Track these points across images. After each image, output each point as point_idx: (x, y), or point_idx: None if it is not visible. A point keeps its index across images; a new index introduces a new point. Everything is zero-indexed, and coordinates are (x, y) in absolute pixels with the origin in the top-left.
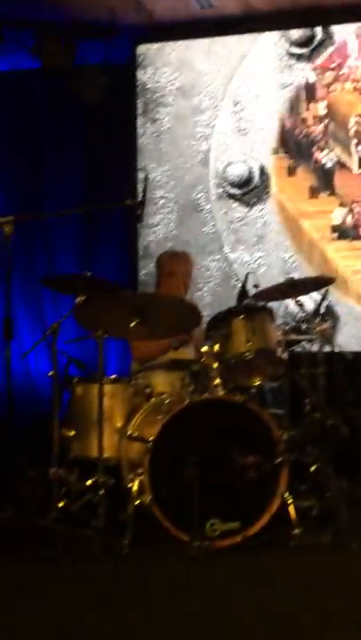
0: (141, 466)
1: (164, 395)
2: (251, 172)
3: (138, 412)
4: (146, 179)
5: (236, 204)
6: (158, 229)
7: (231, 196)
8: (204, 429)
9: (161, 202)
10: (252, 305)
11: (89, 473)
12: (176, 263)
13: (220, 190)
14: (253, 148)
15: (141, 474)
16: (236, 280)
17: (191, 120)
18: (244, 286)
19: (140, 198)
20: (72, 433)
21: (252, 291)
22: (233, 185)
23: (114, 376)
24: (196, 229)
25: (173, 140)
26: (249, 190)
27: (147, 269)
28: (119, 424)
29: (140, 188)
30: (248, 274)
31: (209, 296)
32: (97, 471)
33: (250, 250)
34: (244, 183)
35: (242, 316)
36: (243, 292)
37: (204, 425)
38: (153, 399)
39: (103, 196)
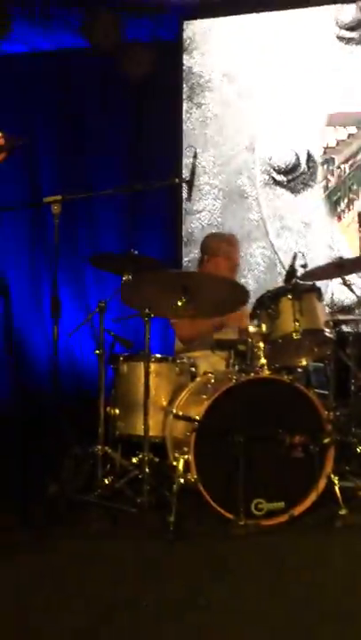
0: (187, 444)
1: (209, 374)
2: (297, 159)
3: (183, 391)
4: (195, 156)
5: (282, 191)
6: (203, 216)
7: (277, 183)
8: (251, 409)
9: (206, 188)
10: (301, 284)
11: (134, 451)
12: (224, 245)
13: (266, 177)
14: (300, 134)
15: (186, 452)
16: (282, 268)
17: (237, 105)
18: (292, 266)
19: (188, 176)
20: (117, 411)
21: (300, 270)
22: (279, 171)
23: (159, 355)
24: (241, 216)
25: (219, 125)
26: (295, 177)
27: (190, 256)
28: (164, 403)
29: (189, 164)
30: (296, 253)
31: (253, 283)
32: (142, 449)
33: (295, 237)
34: (291, 169)
35: (290, 296)
36: (291, 272)
37: (251, 405)
38: (198, 378)
39: (148, 177)
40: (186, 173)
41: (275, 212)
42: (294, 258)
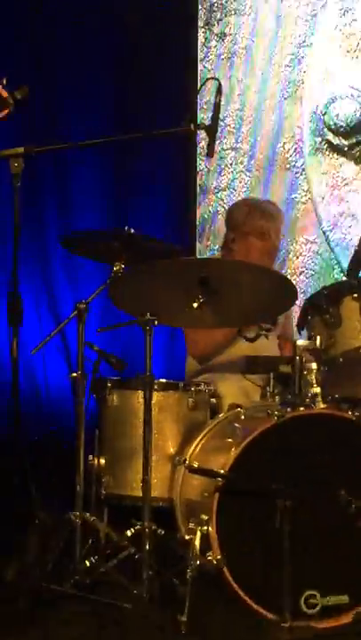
0: (206, 511)
1: (237, 408)
2: None
3: (200, 432)
4: (219, 91)
5: (341, 160)
6: (226, 195)
7: (335, 149)
8: (299, 460)
9: (230, 155)
10: None
11: (128, 519)
12: (257, 217)
13: (319, 140)
14: None
15: (206, 522)
16: (340, 272)
17: (277, 36)
18: (359, 252)
19: (209, 121)
20: (103, 461)
21: None
22: (338, 132)
23: (164, 380)
24: (283, 196)
25: (250, 65)
26: None
27: (207, 255)
28: (172, 450)
29: (214, 100)
30: None
31: (300, 285)
32: (140, 517)
33: (359, 227)
34: (355, 129)
35: (356, 294)
36: (358, 261)
37: (299, 453)
38: (222, 414)
39: (145, 125)
40: (204, 118)
41: (330, 191)
42: None
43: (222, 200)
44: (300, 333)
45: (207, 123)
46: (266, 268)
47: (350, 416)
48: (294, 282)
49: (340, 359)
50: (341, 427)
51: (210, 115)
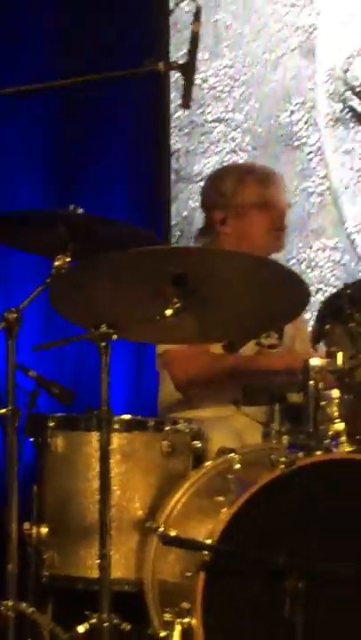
0: (188, 596)
1: (230, 454)
2: None
3: (179, 487)
4: (197, 16)
5: None
6: None
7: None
8: (315, 524)
9: (217, 130)
10: None
11: (81, 610)
12: (257, 184)
13: (340, 107)
14: None
15: (189, 612)
16: None
17: None
18: None
19: (186, 57)
20: (44, 531)
21: None
22: None
23: (128, 416)
24: (291, 185)
25: (243, 3)
26: None
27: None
28: (141, 512)
29: (191, 29)
30: None
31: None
32: (96, 606)
33: None
34: None
35: None
36: None
37: (315, 515)
38: (209, 463)
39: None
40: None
41: (358, 179)
42: None
43: None
44: (315, 349)
45: (181, 60)
46: (265, 260)
47: None
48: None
49: None
50: None
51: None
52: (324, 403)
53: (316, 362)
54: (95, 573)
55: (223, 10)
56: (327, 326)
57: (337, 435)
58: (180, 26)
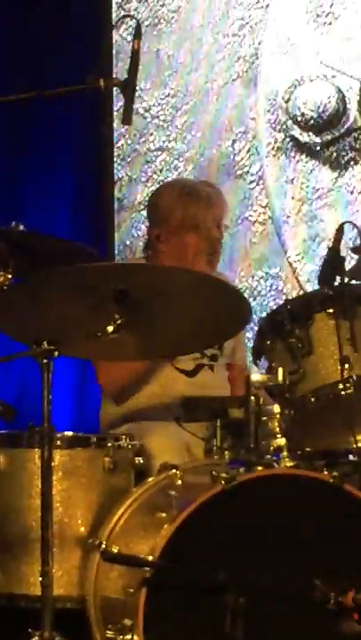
0: (130, 613)
1: (172, 470)
2: (340, 101)
3: (121, 504)
4: (137, 33)
5: (312, 164)
6: None
7: (303, 148)
8: (256, 539)
9: (159, 159)
10: (355, 286)
11: (22, 628)
12: (193, 203)
13: (281, 136)
14: (345, 56)
15: (131, 629)
16: None
17: None
18: (334, 250)
19: (127, 76)
20: None
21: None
22: (306, 125)
23: (70, 433)
24: (232, 214)
25: (184, 34)
26: (338, 136)
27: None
28: (83, 529)
29: (131, 46)
30: (344, 224)
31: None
32: (38, 624)
33: None
34: (329, 122)
35: (331, 310)
36: (333, 262)
37: (256, 530)
38: (151, 479)
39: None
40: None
41: (299, 208)
42: (340, 232)
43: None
44: (256, 365)
45: (120, 78)
46: (206, 276)
47: (326, 476)
48: (252, 332)
49: (312, 399)
50: (315, 492)
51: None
52: (265, 418)
53: (257, 377)
54: (37, 591)
55: (165, 39)
56: (268, 342)
57: (278, 450)
58: (122, 43)
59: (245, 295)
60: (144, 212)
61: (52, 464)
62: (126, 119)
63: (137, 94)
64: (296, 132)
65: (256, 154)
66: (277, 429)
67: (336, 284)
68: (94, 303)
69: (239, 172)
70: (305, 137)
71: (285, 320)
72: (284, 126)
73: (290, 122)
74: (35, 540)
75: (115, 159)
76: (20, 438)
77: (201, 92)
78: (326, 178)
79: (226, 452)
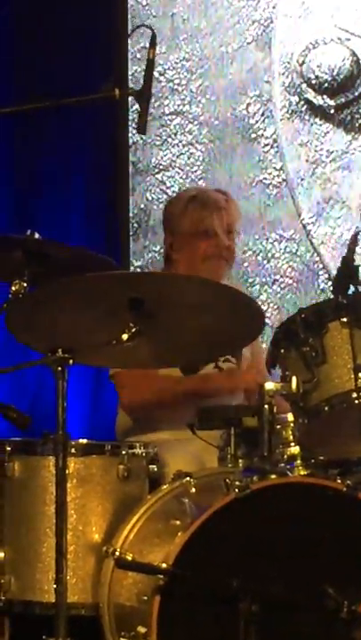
0: (144, 620)
1: (186, 478)
2: (354, 63)
3: (135, 511)
4: (152, 44)
5: (326, 127)
6: (169, 177)
7: (317, 111)
8: (269, 547)
9: (174, 122)
10: None
11: (37, 634)
12: (201, 213)
13: (295, 99)
14: (359, 19)
15: (145, 636)
16: (327, 280)
17: None
18: (350, 257)
19: (141, 84)
20: (2, 555)
21: None
22: (321, 88)
23: (84, 441)
24: (247, 177)
25: None
26: (352, 99)
27: (148, 256)
28: (97, 537)
29: (147, 56)
30: (358, 233)
31: (273, 299)
32: (52, 630)
33: (355, 219)
34: (344, 85)
35: (345, 319)
36: (347, 271)
37: (269, 538)
38: (165, 487)
39: (53, 88)
40: (134, 81)
41: (313, 170)
42: (355, 240)
43: (164, 183)
44: (270, 373)
45: (136, 87)
46: (220, 284)
47: (340, 485)
48: (266, 294)
49: (326, 407)
50: (328, 500)
51: (144, 74)
52: (278, 426)
53: (271, 386)
54: (52, 597)
55: (180, 3)
56: (282, 350)
57: (292, 458)
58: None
59: (260, 258)
60: (159, 176)
61: (67, 471)
62: (141, 128)
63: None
64: (310, 94)
65: (270, 117)
66: (291, 438)
67: (350, 292)
68: (109, 311)
69: (253, 136)
70: (319, 100)
71: (299, 329)
72: (299, 89)
73: (304, 85)
74: (49, 548)
75: (129, 123)
76: (34, 446)
77: (216, 55)
78: (340, 140)
79: (240, 460)
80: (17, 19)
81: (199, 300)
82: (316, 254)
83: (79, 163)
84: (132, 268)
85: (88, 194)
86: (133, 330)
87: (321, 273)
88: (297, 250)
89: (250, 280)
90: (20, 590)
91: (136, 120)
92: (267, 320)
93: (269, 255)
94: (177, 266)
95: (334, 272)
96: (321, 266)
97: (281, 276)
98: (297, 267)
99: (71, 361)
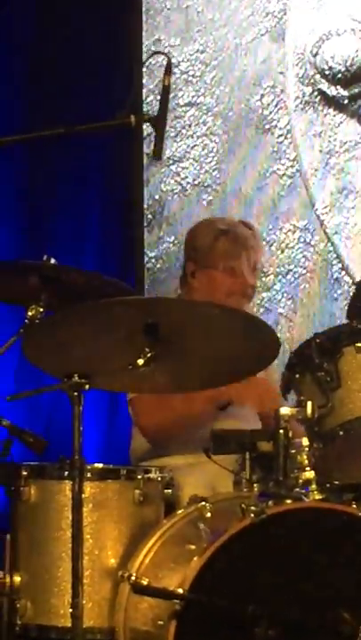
0: None
1: (201, 502)
2: None
3: (151, 536)
4: (168, 70)
5: (339, 118)
6: (183, 168)
7: (330, 102)
8: (285, 572)
9: (188, 114)
10: None
11: None
12: (225, 244)
13: (309, 90)
14: None
15: None
16: (341, 269)
17: None
18: None
19: (158, 111)
20: (18, 579)
21: None
22: (334, 79)
23: (100, 465)
24: (261, 167)
25: None
26: None
27: (161, 249)
28: (113, 561)
29: (162, 82)
30: None
31: (288, 289)
32: None
33: None
34: (357, 75)
35: (359, 343)
36: None
37: (285, 563)
38: (180, 511)
39: (70, 118)
40: (150, 106)
41: (326, 161)
42: None
43: (178, 175)
44: (285, 398)
45: (153, 113)
46: (234, 310)
47: (355, 510)
48: (280, 284)
49: (341, 432)
50: (343, 525)
51: (160, 100)
52: (293, 451)
53: (286, 411)
54: (68, 622)
55: None
56: (297, 375)
57: (307, 483)
58: (153, 78)
59: (273, 248)
60: (173, 167)
61: (83, 496)
62: (157, 153)
63: (166, 50)
64: (324, 85)
65: (284, 108)
66: (306, 462)
67: None
68: (125, 336)
69: (267, 126)
70: (333, 90)
71: (314, 353)
72: (312, 80)
73: (318, 76)
74: (65, 572)
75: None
76: (50, 470)
77: (230, 47)
78: (354, 131)
79: (255, 485)
80: (33, 46)
81: (214, 326)
82: (330, 244)
83: (94, 189)
84: (145, 259)
85: (103, 216)
86: (149, 355)
87: (335, 263)
88: (311, 240)
89: (264, 270)
90: (36, 615)
91: (152, 145)
92: (281, 310)
93: (283, 245)
94: (195, 293)
95: (348, 262)
96: (335, 255)
97: (295, 266)
98: (311, 256)
99: (87, 386)
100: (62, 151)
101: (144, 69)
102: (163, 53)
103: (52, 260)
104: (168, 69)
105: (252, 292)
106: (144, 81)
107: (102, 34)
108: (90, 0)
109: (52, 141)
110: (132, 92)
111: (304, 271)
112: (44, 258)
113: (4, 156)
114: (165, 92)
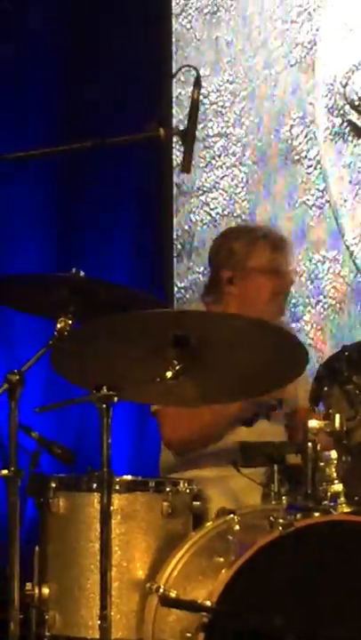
0: None
1: (230, 515)
2: None
3: (179, 548)
4: (197, 83)
5: None
6: (213, 198)
7: (360, 132)
8: (313, 585)
9: (218, 144)
10: None
11: None
12: (270, 249)
13: (339, 121)
14: None
15: None
16: None
17: None
18: None
19: (186, 125)
20: (47, 591)
21: None
22: None
23: (129, 477)
24: (290, 198)
25: (243, 21)
26: None
27: (190, 279)
28: (141, 573)
29: (191, 95)
30: None
31: (317, 319)
32: None
33: None
34: None
35: None
36: None
37: (313, 576)
38: (209, 524)
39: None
40: (178, 120)
41: (356, 191)
42: None
43: (207, 205)
44: (314, 411)
45: (181, 127)
46: (262, 321)
47: None
48: (309, 315)
49: None
50: None
51: (188, 114)
52: (322, 464)
53: (314, 424)
54: (96, 634)
55: (224, 26)
56: (325, 388)
57: (336, 496)
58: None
59: (303, 279)
60: (202, 198)
61: (111, 508)
62: (186, 167)
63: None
64: (353, 116)
65: (314, 138)
66: (334, 475)
67: None
68: (153, 349)
69: (297, 157)
70: None
71: (343, 366)
72: (342, 111)
73: (347, 106)
74: (93, 584)
75: (173, 144)
76: (79, 482)
77: (259, 77)
78: None
79: (283, 498)
80: (61, 61)
81: (243, 338)
82: (359, 275)
83: (124, 202)
84: (175, 289)
85: (133, 228)
86: (177, 367)
87: None
88: (340, 271)
89: (293, 301)
90: (65, 626)
91: (180, 160)
92: (310, 341)
93: (313, 276)
94: (232, 299)
95: None
96: None
97: (324, 297)
98: (340, 287)
99: (116, 398)
100: (93, 164)
101: (174, 82)
102: (191, 67)
103: (82, 273)
104: (197, 83)
105: (285, 301)
106: (173, 95)
107: (132, 48)
108: (122, 15)
109: (83, 157)
110: (161, 105)
111: (333, 302)
112: (73, 270)
113: (35, 170)
114: (194, 105)
